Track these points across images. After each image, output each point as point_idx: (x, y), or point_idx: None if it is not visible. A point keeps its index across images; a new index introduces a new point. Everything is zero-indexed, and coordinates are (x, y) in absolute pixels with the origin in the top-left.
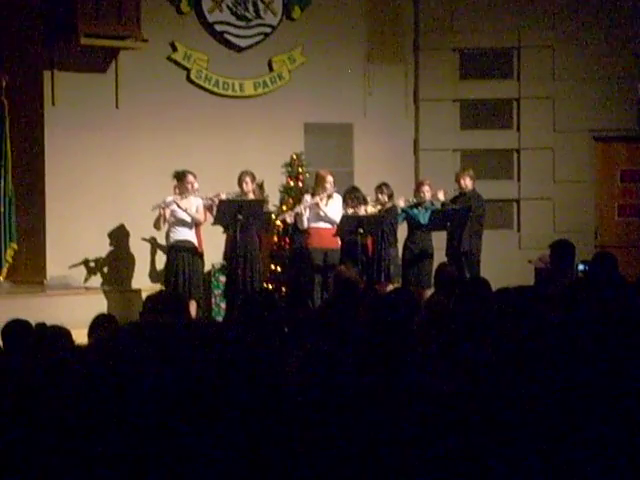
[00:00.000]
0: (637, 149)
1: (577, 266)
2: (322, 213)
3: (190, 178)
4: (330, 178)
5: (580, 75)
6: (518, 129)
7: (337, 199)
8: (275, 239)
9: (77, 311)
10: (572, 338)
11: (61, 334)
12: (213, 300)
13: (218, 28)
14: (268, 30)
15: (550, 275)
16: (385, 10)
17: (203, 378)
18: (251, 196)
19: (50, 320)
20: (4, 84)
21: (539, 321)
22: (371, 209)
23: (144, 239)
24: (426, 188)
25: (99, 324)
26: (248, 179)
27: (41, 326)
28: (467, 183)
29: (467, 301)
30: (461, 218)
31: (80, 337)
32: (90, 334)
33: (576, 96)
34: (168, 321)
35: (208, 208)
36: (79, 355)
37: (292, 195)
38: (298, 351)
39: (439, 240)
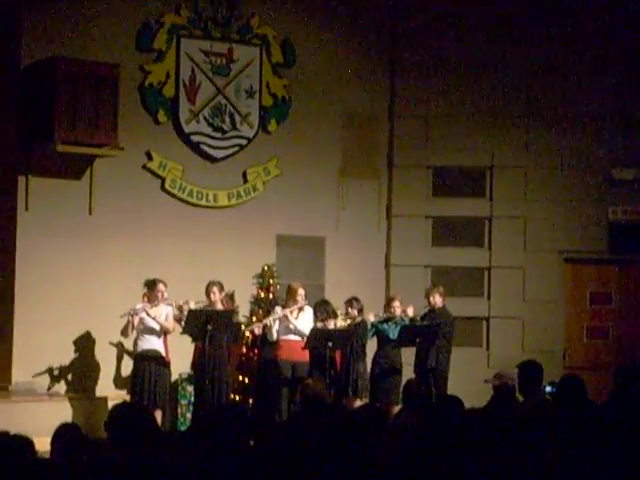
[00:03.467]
0: (606, 272)
1: (544, 388)
2: (292, 326)
3: (160, 287)
4: (301, 291)
5: (551, 196)
6: (489, 247)
7: (308, 312)
8: (244, 350)
9: (41, 418)
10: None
11: (23, 444)
12: (179, 410)
13: (194, 139)
14: (244, 142)
15: (510, 392)
16: (360, 126)
17: None
18: (219, 306)
19: (14, 426)
20: None
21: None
22: (341, 323)
23: (111, 343)
24: (396, 304)
25: (62, 434)
26: (215, 289)
27: (3, 435)
28: (437, 300)
29: (436, 420)
30: (430, 334)
31: (43, 445)
32: (53, 444)
33: (547, 217)
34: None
35: (177, 320)
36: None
37: (262, 306)
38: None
39: (407, 356)
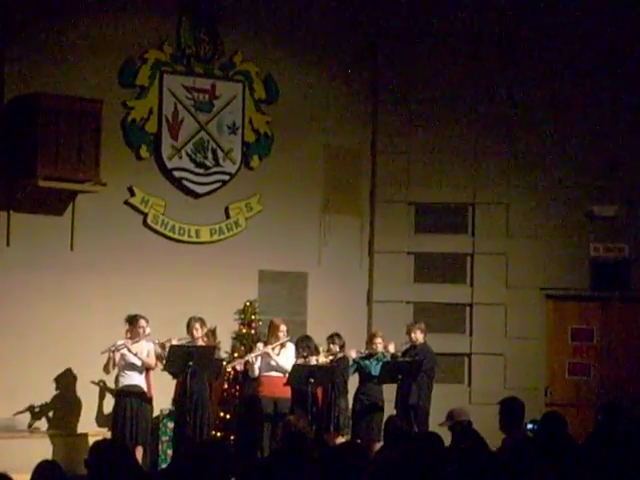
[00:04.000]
0: (588, 308)
1: (526, 425)
2: (273, 362)
3: (142, 322)
4: (284, 327)
5: (533, 232)
6: (471, 284)
7: (290, 347)
8: (225, 386)
9: (21, 455)
10: None
11: None
12: (160, 447)
13: (176, 174)
14: (226, 178)
15: (468, 429)
16: (342, 161)
17: None
18: (201, 342)
19: None
20: None
21: None
22: (323, 359)
23: (93, 382)
24: (378, 340)
25: (42, 472)
26: (198, 325)
27: None
28: (418, 336)
29: (416, 456)
30: (412, 371)
31: None
32: None
33: (529, 253)
34: None
35: (158, 357)
36: None
37: (244, 342)
38: None
39: (389, 392)
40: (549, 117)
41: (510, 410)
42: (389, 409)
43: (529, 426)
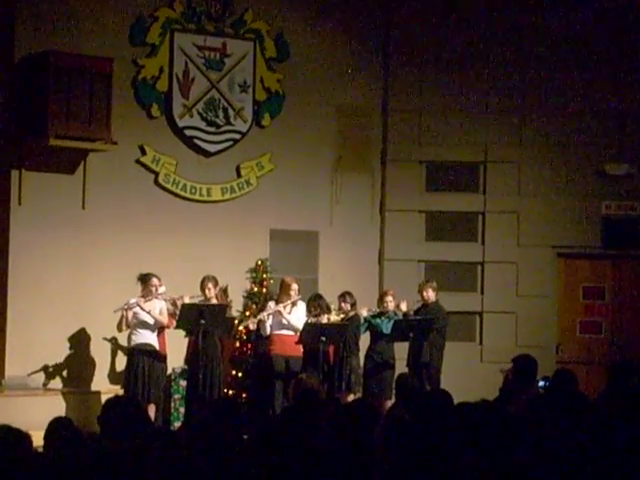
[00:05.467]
0: (599, 266)
1: (537, 382)
2: (285, 320)
3: (154, 281)
4: (295, 286)
5: (545, 191)
6: (483, 242)
7: (301, 306)
8: (237, 345)
9: (35, 413)
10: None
11: (21, 439)
12: (172, 404)
13: (188, 133)
14: (237, 136)
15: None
16: (354, 121)
17: None
18: (214, 301)
19: (7, 421)
20: None
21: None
22: (334, 317)
23: (105, 339)
24: (389, 298)
25: (56, 429)
26: (210, 285)
27: (2, 428)
28: (430, 295)
29: (427, 414)
30: (424, 329)
31: (36, 440)
32: (46, 438)
33: (540, 212)
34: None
35: (172, 314)
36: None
37: (256, 301)
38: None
39: (400, 351)
40: (562, 75)
41: (524, 367)
42: (400, 367)
43: (540, 383)
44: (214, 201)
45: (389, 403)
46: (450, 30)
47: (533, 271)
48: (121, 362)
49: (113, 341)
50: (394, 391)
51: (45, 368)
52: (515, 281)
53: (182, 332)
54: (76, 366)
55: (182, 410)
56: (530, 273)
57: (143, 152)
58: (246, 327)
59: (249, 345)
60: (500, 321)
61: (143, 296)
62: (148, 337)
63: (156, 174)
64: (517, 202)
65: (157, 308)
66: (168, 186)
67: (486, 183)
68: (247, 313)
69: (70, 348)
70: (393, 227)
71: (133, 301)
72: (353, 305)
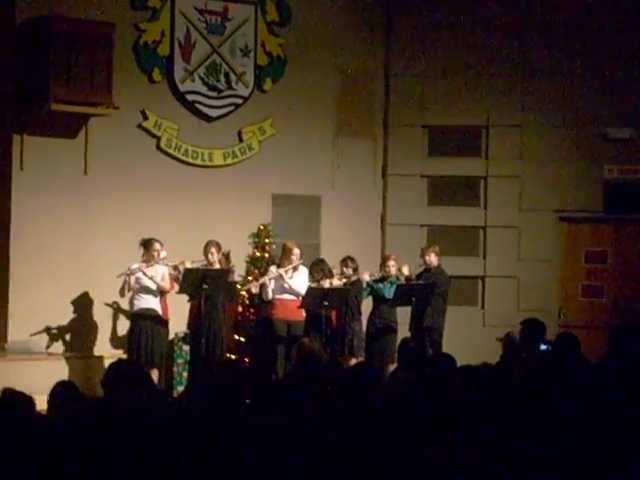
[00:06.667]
0: (602, 230)
1: (539, 346)
2: (287, 285)
3: (156, 246)
4: (297, 250)
5: (547, 155)
6: (485, 207)
7: (303, 271)
8: (240, 309)
9: (38, 377)
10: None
11: (24, 401)
12: (175, 369)
13: (189, 98)
14: (239, 101)
15: (516, 350)
16: (356, 85)
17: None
18: (217, 266)
19: (10, 385)
20: None
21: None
22: (336, 282)
23: (107, 304)
24: (392, 263)
25: (59, 392)
26: (214, 249)
27: (6, 392)
28: (432, 259)
29: (431, 377)
30: (426, 293)
31: (40, 403)
32: (50, 401)
33: (543, 176)
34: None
35: (175, 279)
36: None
37: (258, 266)
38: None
39: (403, 315)
40: (564, 38)
41: (532, 330)
42: (403, 331)
43: (542, 347)
44: (216, 166)
45: (392, 367)
46: None
47: (535, 235)
48: (123, 327)
49: (115, 305)
50: (396, 355)
51: (48, 331)
52: (517, 245)
53: (184, 297)
54: (78, 330)
55: (185, 374)
56: (532, 237)
57: (145, 117)
58: (248, 291)
59: (252, 310)
60: (502, 285)
61: (145, 261)
62: (151, 302)
63: (158, 139)
64: (519, 166)
65: (159, 273)
66: (170, 151)
67: (488, 147)
68: (249, 278)
69: (73, 312)
70: (395, 191)
71: (135, 266)
72: (355, 270)
